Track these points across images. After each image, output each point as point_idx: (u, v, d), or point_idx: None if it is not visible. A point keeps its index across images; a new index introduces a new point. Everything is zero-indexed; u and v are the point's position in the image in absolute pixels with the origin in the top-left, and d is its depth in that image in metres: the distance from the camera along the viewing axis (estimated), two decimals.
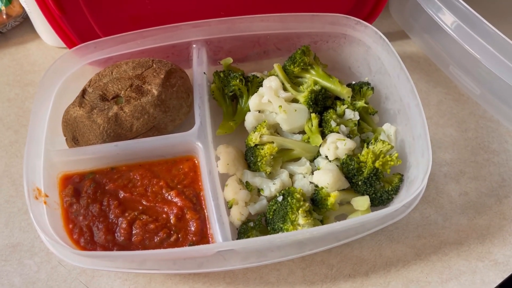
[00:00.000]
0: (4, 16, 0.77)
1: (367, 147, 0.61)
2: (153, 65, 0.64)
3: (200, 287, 0.58)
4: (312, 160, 0.64)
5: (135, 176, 0.61)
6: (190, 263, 0.53)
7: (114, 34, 0.65)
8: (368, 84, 0.69)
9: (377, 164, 0.59)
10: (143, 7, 0.66)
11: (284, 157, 0.64)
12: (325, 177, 0.59)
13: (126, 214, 0.58)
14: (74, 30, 0.68)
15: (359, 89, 0.68)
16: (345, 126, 0.64)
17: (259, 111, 0.65)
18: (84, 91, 0.63)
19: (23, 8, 0.78)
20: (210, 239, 0.57)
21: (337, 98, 0.68)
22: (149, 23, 0.66)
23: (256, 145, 0.62)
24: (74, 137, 0.62)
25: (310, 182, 0.61)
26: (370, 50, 0.69)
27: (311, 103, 0.64)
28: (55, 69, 0.64)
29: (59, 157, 0.60)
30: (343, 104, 0.66)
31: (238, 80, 0.67)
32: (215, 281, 0.59)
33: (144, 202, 0.59)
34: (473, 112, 0.74)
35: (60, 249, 0.53)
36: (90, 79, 0.64)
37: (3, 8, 0.77)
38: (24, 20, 0.81)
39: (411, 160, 0.61)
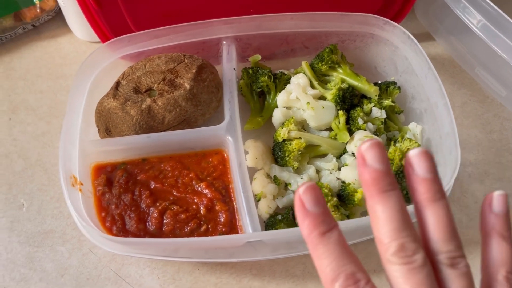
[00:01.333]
0: (38, 10, 0.79)
1: (394, 145, 0.62)
2: (184, 60, 0.66)
3: (227, 277, 0.59)
4: (338, 157, 0.65)
5: (166, 168, 0.62)
6: (222, 252, 0.54)
7: (146, 29, 0.67)
8: (394, 83, 0.69)
9: (404, 162, 0.60)
10: (177, 3, 0.68)
11: (311, 153, 0.65)
12: (353, 173, 0.60)
13: (157, 204, 0.59)
14: (109, 24, 0.70)
15: (385, 88, 0.69)
16: (372, 124, 0.65)
17: (287, 108, 0.67)
18: (118, 84, 0.64)
19: (56, 2, 0.80)
20: (239, 230, 0.58)
21: (364, 96, 0.69)
22: (181, 19, 0.67)
23: (284, 140, 0.63)
24: (107, 128, 0.63)
25: (337, 178, 0.62)
26: (397, 50, 0.70)
27: (338, 101, 0.65)
28: (90, 62, 0.66)
29: (93, 147, 0.61)
30: (370, 103, 0.67)
31: (266, 77, 0.69)
32: (242, 273, 0.60)
33: (174, 193, 0.61)
34: (498, 114, 0.75)
35: (94, 235, 0.54)
36: (124, 72, 0.66)
37: (37, 2, 0.79)
38: (56, 15, 0.83)
39: (438, 159, 0.61)
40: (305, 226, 0.32)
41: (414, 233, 0.32)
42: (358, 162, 0.33)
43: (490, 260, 0.34)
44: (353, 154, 0.63)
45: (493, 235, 0.35)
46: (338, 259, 0.31)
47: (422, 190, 0.33)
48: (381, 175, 0.32)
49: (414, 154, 0.33)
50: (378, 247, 0.32)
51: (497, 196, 0.35)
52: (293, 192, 0.62)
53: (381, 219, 0.32)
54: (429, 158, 0.33)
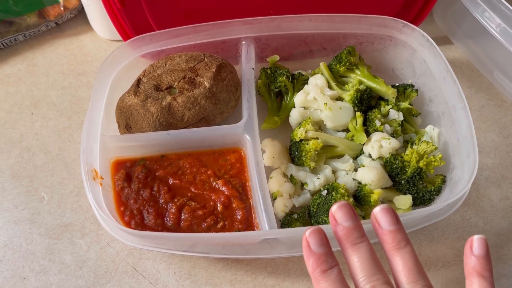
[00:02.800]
0: (62, 8, 0.81)
1: (411, 147, 0.62)
2: (204, 59, 0.67)
3: (242, 274, 0.60)
4: (355, 158, 0.66)
5: (184, 164, 0.63)
6: (238, 248, 0.55)
7: (167, 28, 0.68)
8: (412, 86, 0.70)
9: (421, 164, 0.60)
10: (197, 2, 0.69)
11: (328, 153, 0.65)
12: (370, 174, 0.60)
13: (175, 200, 0.60)
14: (131, 23, 0.71)
15: (403, 90, 0.69)
16: (389, 126, 0.65)
17: (304, 108, 0.67)
18: (139, 81, 0.65)
19: (79, 1, 0.82)
20: (255, 228, 0.59)
21: (381, 98, 0.69)
22: (201, 18, 0.68)
23: (301, 140, 0.64)
24: (127, 124, 0.64)
25: (353, 179, 0.63)
26: (415, 53, 0.70)
27: (356, 102, 0.65)
28: (111, 59, 0.67)
29: (113, 142, 0.63)
30: (388, 105, 0.67)
31: (284, 77, 0.69)
32: (257, 270, 0.60)
33: (192, 189, 0.61)
34: None
35: (114, 228, 0.55)
36: (145, 70, 0.67)
37: (61, 0, 0.80)
38: (79, 13, 0.85)
39: (455, 162, 0.61)
40: (310, 264, 0.39)
41: (384, 276, 0.38)
42: (330, 222, 0.41)
43: None
44: (370, 155, 0.64)
45: (474, 275, 0.40)
46: None
47: (388, 240, 0.40)
48: (350, 230, 0.40)
49: (377, 211, 0.41)
50: None
51: (477, 240, 0.41)
52: (309, 191, 0.63)
53: (355, 267, 0.39)
54: (391, 212, 0.41)
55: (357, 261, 0.39)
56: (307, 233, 0.40)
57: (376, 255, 0.40)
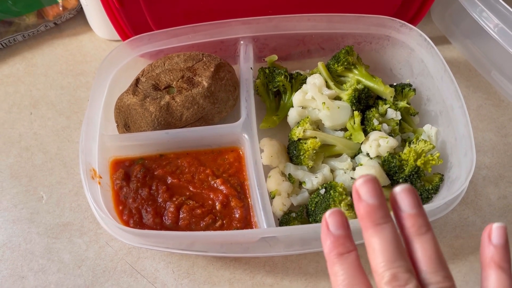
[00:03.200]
0: (61, 8, 0.81)
1: (409, 146, 0.63)
2: (203, 58, 0.67)
3: (240, 273, 0.60)
4: (353, 157, 0.66)
5: (182, 164, 0.63)
6: (237, 247, 0.55)
7: (166, 28, 0.68)
8: (410, 85, 0.70)
9: (418, 163, 0.61)
10: (196, 2, 0.69)
11: (326, 152, 0.65)
12: (367, 172, 0.60)
13: (174, 199, 0.60)
14: (130, 22, 0.71)
15: (401, 90, 0.70)
16: (387, 125, 0.66)
17: (302, 107, 0.67)
18: (137, 80, 0.66)
19: (78, 1, 0.82)
20: (254, 226, 0.59)
21: (379, 98, 0.69)
22: (200, 18, 0.69)
23: (299, 139, 0.64)
24: (126, 124, 0.64)
25: (351, 178, 0.63)
26: (413, 52, 0.70)
27: (354, 101, 0.66)
28: (110, 59, 0.67)
29: (112, 141, 0.63)
30: (385, 104, 0.67)
31: (283, 77, 0.69)
32: (255, 269, 0.61)
33: (191, 188, 0.62)
34: None
35: (112, 227, 0.56)
36: (143, 69, 0.67)
37: (60, 0, 0.81)
38: (78, 13, 0.85)
39: (453, 161, 0.62)
40: (327, 245, 0.36)
41: (407, 263, 0.34)
42: (353, 197, 0.36)
43: None
44: (367, 154, 0.64)
45: (491, 266, 0.36)
46: (350, 278, 0.34)
47: (408, 225, 0.36)
48: (374, 209, 0.35)
49: (398, 191, 0.36)
50: (374, 277, 0.34)
51: (496, 228, 0.37)
52: (307, 190, 0.63)
53: (375, 250, 0.35)
54: (413, 193, 0.36)
55: (378, 243, 0.35)
56: (327, 214, 0.36)
57: (401, 240, 0.36)
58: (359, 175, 0.36)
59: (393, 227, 0.35)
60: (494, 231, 0.37)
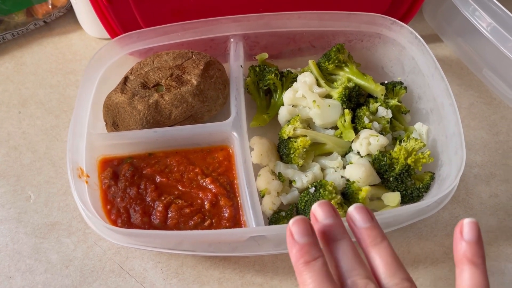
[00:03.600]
0: (50, 6, 0.81)
1: (400, 144, 0.62)
2: (192, 56, 0.66)
3: (230, 272, 0.60)
4: (343, 155, 0.65)
5: (171, 162, 0.63)
6: (225, 246, 0.54)
7: (155, 26, 0.68)
8: (401, 83, 0.70)
9: (409, 161, 0.60)
10: (186, 0, 0.68)
11: (316, 151, 0.65)
12: (358, 171, 0.60)
13: (162, 198, 0.60)
14: (118, 20, 0.71)
15: (392, 88, 0.69)
16: (378, 123, 0.65)
17: (293, 106, 0.67)
18: (126, 79, 0.65)
19: None
20: (243, 225, 0.58)
21: (370, 96, 0.69)
22: (189, 16, 0.68)
23: (289, 137, 0.63)
24: (115, 122, 0.64)
25: (342, 176, 0.62)
26: (404, 50, 0.70)
27: (344, 99, 0.65)
28: (99, 57, 0.66)
29: (100, 140, 0.62)
30: (376, 102, 0.67)
31: (273, 75, 0.69)
32: (245, 268, 0.60)
33: (180, 187, 0.61)
34: (505, 116, 0.74)
35: (99, 226, 0.55)
36: (132, 67, 0.66)
37: None
38: (68, 11, 0.85)
39: (443, 159, 0.61)
40: (293, 254, 0.37)
41: (365, 271, 0.37)
42: (311, 219, 0.40)
43: (462, 287, 0.37)
44: (358, 152, 0.63)
45: (464, 262, 0.37)
46: (319, 284, 0.36)
47: (364, 237, 0.39)
48: (330, 228, 0.39)
49: (351, 210, 0.40)
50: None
51: (467, 223, 0.38)
52: (297, 189, 0.63)
53: (336, 262, 0.38)
54: (364, 210, 0.40)
55: (338, 256, 0.38)
56: (290, 222, 0.38)
57: (358, 252, 0.39)
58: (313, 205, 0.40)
59: (349, 241, 0.38)
60: (465, 227, 0.38)
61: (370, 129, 0.64)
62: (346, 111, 0.65)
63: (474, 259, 0.37)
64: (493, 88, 0.76)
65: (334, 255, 0.38)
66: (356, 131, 0.64)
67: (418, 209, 0.55)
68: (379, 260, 0.38)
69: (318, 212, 0.39)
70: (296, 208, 0.61)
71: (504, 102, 0.76)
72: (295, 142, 0.62)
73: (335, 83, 0.69)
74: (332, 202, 0.57)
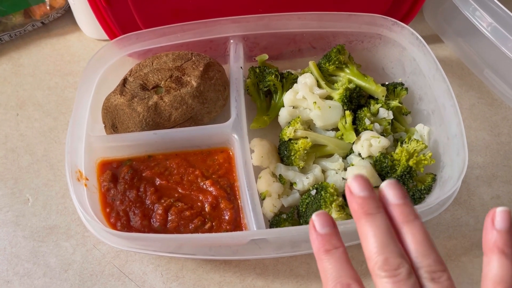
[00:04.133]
0: (48, 7, 0.80)
1: (401, 146, 0.62)
2: (192, 58, 0.66)
3: (230, 276, 0.59)
4: (344, 157, 0.65)
5: (171, 165, 0.62)
6: (226, 250, 0.54)
7: (154, 27, 0.67)
8: (402, 84, 0.69)
9: (411, 163, 0.60)
10: (185, 1, 0.68)
11: (317, 152, 0.65)
12: (359, 172, 0.60)
13: (162, 201, 0.59)
14: (117, 21, 0.70)
15: (393, 89, 0.69)
16: (379, 124, 0.65)
17: (293, 107, 0.66)
18: (125, 80, 0.64)
19: (65, 0, 0.81)
20: (244, 228, 0.58)
21: (371, 97, 0.69)
22: (189, 17, 0.68)
23: (290, 139, 0.63)
24: (114, 124, 0.63)
25: (343, 178, 0.62)
26: (405, 51, 0.69)
27: (345, 101, 0.65)
28: (97, 58, 0.66)
29: (99, 142, 0.62)
30: (377, 103, 0.66)
31: (273, 76, 0.69)
32: (246, 271, 0.59)
33: (179, 190, 0.60)
34: (507, 117, 0.74)
35: (98, 230, 0.54)
36: (131, 69, 0.66)
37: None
38: (66, 13, 0.84)
39: (445, 160, 0.61)
40: (315, 245, 0.38)
41: (399, 249, 0.35)
42: (346, 195, 0.38)
43: (489, 276, 0.36)
44: (359, 154, 0.63)
45: (494, 252, 0.36)
46: (338, 270, 0.36)
47: (396, 214, 0.37)
48: (365, 201, 0.37)
49: (384, 186, 0.38)
50: (368, 264, 0.36)
51: (500, 212, 0.37)
52: (298, 191, 0.62)
53: (368, 237, 0.36)
54: (398, 186, 0.38)
55: (370, 230, 0.36)
56: (313, 215, 0.38)
57: (392, 229, 0.37)
58: (350, 175, 0.38)
59: (384, 216, 0.37)
60: (497, 215, 0.36)
61: (371, 130, 0.64)
62: (347, 112, 0.64)
63: (504, 249, 0.36)
64: (494, 89, 0.76)
65: (367, 228, 0.36)
66: (357, 133, 0.64)
67: (420, 211, 0.55)
68: (412, 238, 0.36)
69: (354, 185, 0.38)
70: (297, 211, 0.61)
71: (505, 103, 0.75)
72: (296, 144, 0.62)
73: (335, 84, 0.68)
74: (333, 204, 0.57)
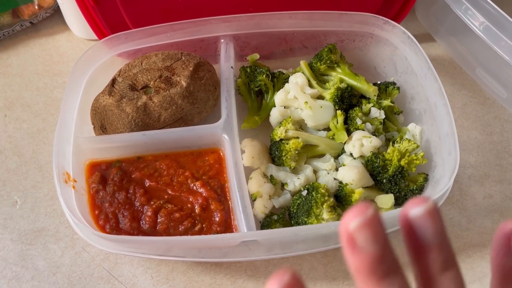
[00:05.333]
0: (36, 7, 0.79)
1: (393, 146, 0.61)
2: (182, 57, 0.65)
3: (221, 278, 0.59)
4: (336, 157, 0.64)
5: (161, 166, 0.62)
6: (216, 252, 0.53)
7: (144, 26, 0.67)
8: (394, 83, 0.69)
9: (402, 163, 0.59)
10: (175, 0, 0.67)
11: (309, 153, 0.64)
12: (350, 173, 0.59)
13: (152, 203, 0.58)
14: (106, 21, 0.69)
15: (384, 88, 0.68)
16: (371, 124, 0.64)
17: (284, 107, 0.66)
18: (114, 81, 0.64)
19: (54, 0, 0.80)
20: (234, 230, 0.57)
21: (363, 96, 0.68)
22: (178, 16, 0.67)
23: (281, 139, 0.62)
24: (102, 125, 0.62)
25: (334, 179, 0.61)
26: (397, 50, 0.69)
27: (337, 100, 0.64)
28: (86, 58, 0.65)
29: (87, 144, 0.61)
30: (369, 103, 0.66)
31: (264, 76, 0.68)
32: (237, 273, 0.59)
33: (169, 192, 0.60)
34: (499, 116, 0.74)
35: (86, 233, 0.54)
36: (120, 69, 0.65)
37: None
38: (55, 12, 0.83)
39: (437, 160, 0.61)
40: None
41: None
42: (344, 244, 0.25)
43: None
44: (351, 154, 0.62)
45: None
46: None
47: (434, 259, 0.27)
48: (381, 259, 0.25)
49: (419, 213, 0.26)
50: None
51: None
52: (290, 192, 0.61)
53: None
54: (439, 214, 0.27)
55: None
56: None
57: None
58: (348, 212, 0.25)
59: (402, 279, 0.26)
60: None
61: (363, 130, 0.63)
62: (339, 112, 0.64)
63: None
64: (486, 87, 0.76)
65: None
66: (349, 133, 0.63)
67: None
68: None
69: (361, 236, 0.25)
70: (288, 212, 0.60)
71: (497, 102, 0.75)
72: (287, 144, 0.61)
73: (327, 84, 0.68)
74: (325, 205, 0.56)
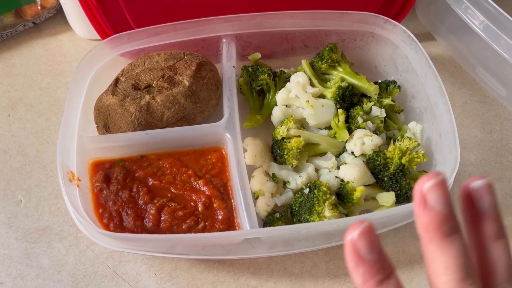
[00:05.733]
0: (39, 7, 0.79)
1: (394, 144, 0.62)
2: (184, 57, 0.66)
3: (224, 275, 0.59)
4: (337, 156, 0.65)
5: (164, 165, 0.62)
6: (219, 249, 0.54)
7: (146, 26, 0.67)
8: (394, 82, 0.69)
9: (403, 161, 0.60)
10: (177, 0, 0.68)
11: (310, 151, 0.65)
12: (352, 171, 0.60)
13: (155, 201, 0.59)
14: (109, 21, 0.70)
15: (385, 87, 0.69)
16: (372, 122, 0.65)
17: (286, 106, 0.66)
18: (117, 80, 0.64)
19: (57, 0, 0.81)
20: (237, 228, 0.58)
21: (364, 95, 0.69)
22: (181, 16, 0.67)
23: (283, 138, 0.63)
24: (106, 125, 0.63)
25: (336, 177, 0.62)
26: (397, 49, 0.69)
27: (338, 99, 0.65)
28: (89, 58, 0.65)
29: (91, 143, 0.61)
30: (370, 101, 0.66)
31: (266, 75, 0.68)
32: (240, 271, 0.59)
33: (172, 190, 0.60)
34: (499, 114, 0.74)
35: (91, 231, 0.54)
36: (123, 69, 0.66)
37: None
38: (57, 12, 0.83)
39: (438, 158, 0.61)
40: (359, 274, 0.30)
41: (477, 280, 0.30)
42: (415, 202, 0.30)
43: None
44: (352, 152, 0.63)
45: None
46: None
47: (488, 227, 0.31)
48: (445, 218, 0.29)
49: (479, 184, 0.31)
50: None
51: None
52: (292, 190, 0.62)
53: (442, 266, 0.29)
54: (493, 190, 0.31)
55: (446, 258, 0.29)
56: (354, 235, 0.30)
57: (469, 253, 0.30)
58: (423, 177, 0.30)
59: (462, 239, 0.30)
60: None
61: (364, 128, 0.64)
62: (340, 111, 0.64)
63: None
64: (486, 86, 0.76)
65: (442, 255, 0.30)
66: (350, 131, 0.64)
67: (413, 209, 0.55)
68: (504, 259, 0.30)
69: (433, 195, 0.29)
70: (290, 209, 0.61)
71: (497, 100, 0.76)
72: (289, 142, 0.62)
73: (328, 83, 0.68)
74: (326, 203, 0.57)
